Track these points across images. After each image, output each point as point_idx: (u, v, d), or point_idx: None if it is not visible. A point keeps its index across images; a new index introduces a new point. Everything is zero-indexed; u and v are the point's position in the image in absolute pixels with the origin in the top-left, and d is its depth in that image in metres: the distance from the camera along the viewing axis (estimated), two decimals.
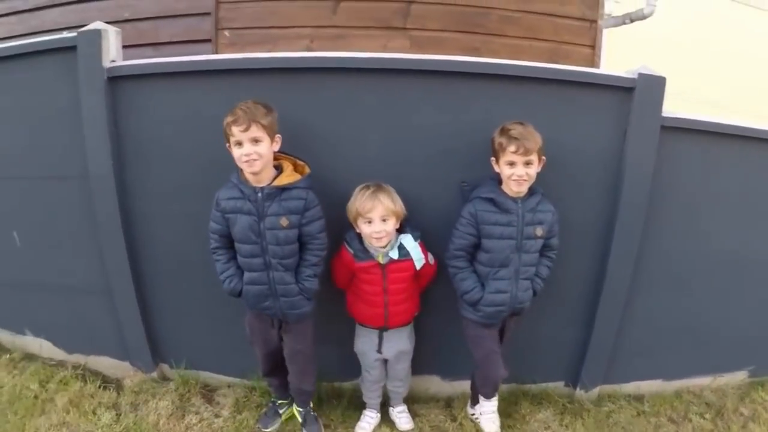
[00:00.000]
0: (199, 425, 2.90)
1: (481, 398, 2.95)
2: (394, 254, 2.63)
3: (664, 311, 3.21)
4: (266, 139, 2.38)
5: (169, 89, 2.74)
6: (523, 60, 2.80)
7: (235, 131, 2.34)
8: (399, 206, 2.60)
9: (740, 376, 3.54)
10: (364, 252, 2.64)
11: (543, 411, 3.17)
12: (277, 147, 2.46)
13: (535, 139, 2.47)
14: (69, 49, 2.70)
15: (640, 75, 2.71)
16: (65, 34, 2.77)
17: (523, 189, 2.55)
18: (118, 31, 2.77)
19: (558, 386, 3.31)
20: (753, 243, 3.18)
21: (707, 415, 3.25)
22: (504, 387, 3.22)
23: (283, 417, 2.98)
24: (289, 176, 2.48)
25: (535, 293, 2.74)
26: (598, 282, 3.02)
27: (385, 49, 3.10)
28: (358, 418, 3.02)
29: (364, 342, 2.87)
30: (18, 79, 2.89)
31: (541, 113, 2.70)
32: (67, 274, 3.10)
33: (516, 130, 2.46)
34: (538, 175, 2.56)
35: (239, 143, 2.36)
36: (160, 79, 2.73)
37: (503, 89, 2.68)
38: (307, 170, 2.55)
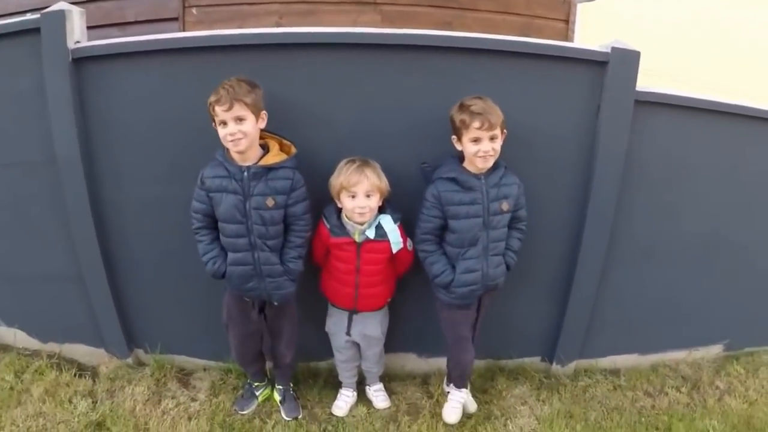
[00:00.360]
0: (176, 410, 2.89)
1: (451, 386, 2.97)
2: (371, 233, 2.60)
3: (640, 286, 3.25)
4: (251, 117, 2.35)
5: (135, 69, 2.67)
6: (496, 34, 2.76)
7: (219, 111, 2.31)
8: (384, 182, 2.57)
9: (716, 350, 3.60)
10: (341, 228, 2.61)
11: (519, 386, 3.21)
12: (263, 124, 2.43)
13: (497, 113, 2.44)
14: (32, 31, 2.62)
15: (614, 49, 2.69)
16: (28, 17, 2.69)
17: (489, 164, 2.52)
18: (82, 11, 2.69)
19: (534, 361, 3.34)
20: (728, 219, 3.22)
21: (683, 389, 3.31)
22: (480, 363, 3.27)
23: (260, 399, 2.97)
24: (275, 156, 2.47)
25: (508, 267, 2.72)
26: (573, 257, 3.04)
27: (355, 24, 3.06)
28: (334, 398, 3.03)
29: (335, 323, 2.87)
30: None
31: (514, 88, 2.69)
32: (39, 261, 3.05)
33: (477, 105, 2.42)
34: (504, 149, 2.53)
35: (224, 122, 2.33)
36: (127, 59, 2.66)
37: (475, 63, 2.65)
38: (294, 150, 2.53)
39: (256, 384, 2.97)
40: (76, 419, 2.76)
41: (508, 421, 2.97)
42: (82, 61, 2.64)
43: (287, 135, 2.58)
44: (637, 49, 2.73)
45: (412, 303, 3.00)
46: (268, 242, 2.49)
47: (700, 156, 3.01)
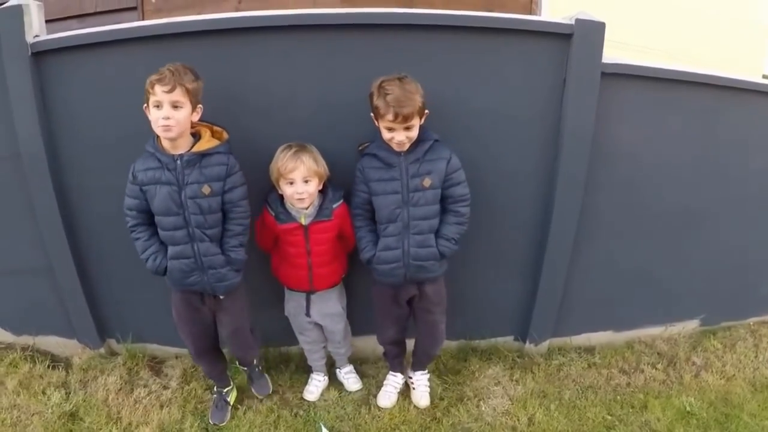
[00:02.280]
0: (148, 398, 2.93)
1: (389, 372, 3.06)
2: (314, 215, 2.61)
3: (613, 262, 3.25)
4: (187, 106, 2.28)
5: (94, 60, 2.66)
6: (458, 10, 2.73)
7: (158, 90, 2.22)
8: (322, 166, 2.56)
9: (692, 325, 3.61)
10: (286, 214, 2.61)
11: (493, 366, 3.23)
12: (197, 117, 2.36)
13: (414, 102, 2.35)
14: None
15: (578, 21, 2.65)
16: None
17: (404, 149, 2.49)
18: (40, 5, 2.68)
19: (508, 341, 3.36)
20: (702, 192, 3.20)
21: (659, 365, 3.31)
22: (453, 344, 3.31)
23: (232, 402, 2.93)
24: (207, 142, 2.41)
25: (443, 255, 2.61)
26: (543, 235, 3.04)
27: (314, 6, 3.02)
28: (306, 382, 3.06)
29: (294, 306, 2.88)
30: None
31: (476, 64, 2.67)
32: (9, 256, 3.06)
33: (392, 93, 2.33)
34: (469, 126, 2.58)
35: (158, 105, 2.25)
36: (85, 50, 2.64)
37: (435, 40, 2.62)
38: (225, 135, 2.48)
39: (225, 390, 2.92)
40: (50, 410, 2.81)
41: (481, 402, 2.99)
42: (42, 54, 2.63)
43: (245, 120, 2.58)
44: (602, 20, 2.68)
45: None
46: (207, 232, 2.42)
47: (670, 128, 2.98)
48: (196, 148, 2.37)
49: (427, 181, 2.50)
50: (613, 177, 3.00)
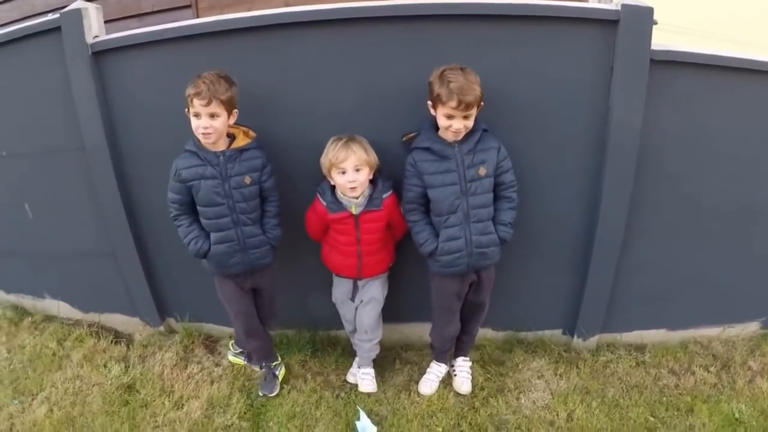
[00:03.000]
0: (200, 374, 3.13)
1: (433, 361, 3.07)
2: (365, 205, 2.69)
3: (666, 258, 3.13)
4: (224, 115, 2.51)
5: (150, 57, 2.84)
6: None
7: (196, 104, 2.46)
8: (372, 156, 2.64)
9: (752, 328, 3.41)
10: (337, 203, 2.70)
11: (537, 359, 3.20)
12: (232, 121, 2.58)
13: (476, 92, 2.41)
14: (54, 30, 2.85)
15: (624, 6, 2.56)
16: (50, 16, 2.91)
17: (459, 138, 2.54)
18: (99, 7, 2.89)
19: (555, 334, 3.32)
20: (763, 188, 3.01)
21: (712, 368, 3.17)
22: (499, 335, 3.31)
23: (280, 377, 3.07)
24: (243, 140, 2.66)
25: (503, 241, 2.69)
26: (591, 226, 2.96)
27: None
28: (350, 366, 3.15)
29: (341, 292, 2.97)
30: (12, 63, 3.09)
31: (520, 54, 2.64)
32: (76, 240, 3.35)
33: (456, 82, 2.38)
34: (514, 117, 2.61)
35: (197, 115, 2.49)
36: (141, 48, 2.83)
37: (477, 31, 2.62)
38: (253, 134, 2.71)
39: (274, 364, 3.08)
40: (109, 382, 3.06)
41: (522, 395, 2.98)
42: (102, 53, 2.84)
43: (291, 113, 2.76)
44: (650, 4, 2.59)
45: (405, 276, 3.05)
46: (251, 216, 2.68)
47: (727, 118, 2.82)
48: (235, 145, 2.63)
49: (482, 170, 2.56)
50: (665, 170, 2.88)
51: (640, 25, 2.58)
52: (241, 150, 2.61)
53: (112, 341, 3.38)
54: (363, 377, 3.03)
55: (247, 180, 2.61)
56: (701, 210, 3.01)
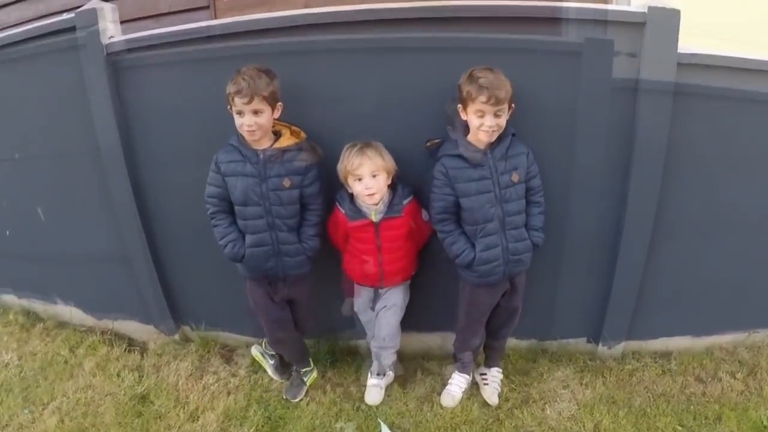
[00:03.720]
0: (216, 384, 3.08)
1: (455, 372, 3.02)
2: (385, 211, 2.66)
3: (692, 263, 3.08)
4: (267, 110, 2.45)
5: (166, 59, 2.82)
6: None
7: (238, 102, 2.40)
8: (389, 161, 2.61)
9: None
10: (356, 211, 2.66)
11: (562, 369, 3.16)
12: (277, 115, 2.53)
13: (506, 88, 2.40)
14: (69, 30, 2.83)
15: (651, 9, 2.53)
16: (65, 16, 2.89)
17: (492, 138, 2.50)
18: (114, 7, 2.87)
19: (580, 342, 3.27)
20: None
21: (738, 375, 3.12)
22: (522, 344, 3.27)
23: (308, 383, 3.04)
24: (288, 139, 2.58)
25: (536, 246, 2.69)
26: (617, 231, 2.92)
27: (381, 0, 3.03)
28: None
29: (362, 302, 2.93)
30: (26, 64, 3.06)
31: (544, 60, 2.62)
32: (89, 244, 3.32)
33: (486, 78, 2.38)
34: (539, 122, 2.59)
35: (240, 113, 2.44)
36: (157, 49, 2.82)
37: (499, 33, 2.60)
38: (303, 135, 2.63)
39: (304, 370, 3.05)
40: (123, 392, 3.01)
41: (547, 405, 2.93)
42: (117, 54, 2.82)
43: (306, 118, 2.66)
44: (677, 7, 2.55)
45: (450, 282, 2.95)
46: (287, 222, 2.61)
47: (756, 122, 2.79)
48: (277, 145, 2.55)
49: (515, 176, 2.56)
50: (695, 173, 2.84)
51: (667, 27, 2.54)
52: (284, 150, 2.54)
53: (125, 349, 3.34)
54: (373, 387, 3.00)
55: (287, 183, 2.54)
56: (730, 212, 2.97)
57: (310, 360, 3.09)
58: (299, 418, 2.86)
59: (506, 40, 2.62)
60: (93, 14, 2.77)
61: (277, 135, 2.59)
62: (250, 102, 2.38)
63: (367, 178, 2.56)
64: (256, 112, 2.42)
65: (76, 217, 3.28)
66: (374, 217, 2.64)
